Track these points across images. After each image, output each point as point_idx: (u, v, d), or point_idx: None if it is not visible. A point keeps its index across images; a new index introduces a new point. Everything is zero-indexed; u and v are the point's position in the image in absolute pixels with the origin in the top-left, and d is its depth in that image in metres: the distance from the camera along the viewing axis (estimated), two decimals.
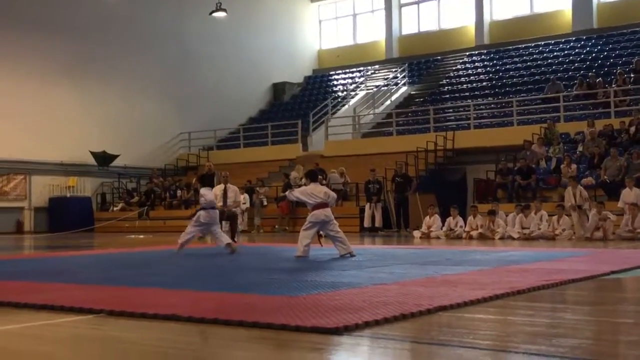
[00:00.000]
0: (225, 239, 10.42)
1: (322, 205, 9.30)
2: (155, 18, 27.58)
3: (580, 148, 18.37)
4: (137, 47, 26.87)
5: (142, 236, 18.92)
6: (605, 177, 16.27)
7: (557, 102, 21.50)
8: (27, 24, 23.80)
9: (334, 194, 9.74)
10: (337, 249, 9.22)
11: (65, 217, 23.10)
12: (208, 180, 10.89)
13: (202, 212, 10.46)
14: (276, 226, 20.43)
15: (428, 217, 16.51)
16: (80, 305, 4.67)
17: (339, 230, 9.35)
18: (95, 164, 24.94)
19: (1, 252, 12.70)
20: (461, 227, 15.81)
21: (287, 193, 10.17)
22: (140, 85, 26.91)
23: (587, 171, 17.09)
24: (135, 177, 26.04)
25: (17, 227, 23.27)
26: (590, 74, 22.65)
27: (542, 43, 27.96)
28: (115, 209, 24.48)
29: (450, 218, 16.11)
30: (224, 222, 14.39)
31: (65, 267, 8.30)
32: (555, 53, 26.98)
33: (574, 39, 27.31)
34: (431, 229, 16.09)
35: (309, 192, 9.43)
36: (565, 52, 26.74)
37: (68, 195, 24.14)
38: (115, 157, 25.00)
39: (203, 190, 10.61)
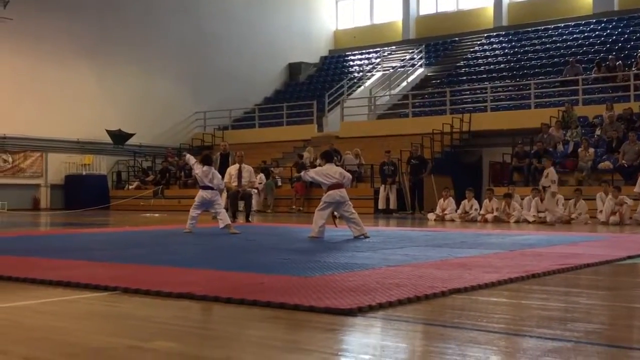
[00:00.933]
0: (225, 220, 10.27)
1: (337, 185, 9.29)
2: None
3: (598, 132, 18.20)
4: (154, 26, 26.87)
5: (157, 215, 19.04)
6: (623, 161, 16.13)
7: (575, 85, 21.27)
8: (45, 3, 23.85)
9: (349, 175, 9.73)
10: (351, 230, 9.21)
11: (81, 194, 23.28)
12: (208, 160, 10.84)
13: (199, 192, 10.47)
14: (293, 207, 20.46)
15: (442, 199, 16.46)
16: (96, 283, 4.71)
17: (354, 211, 9.34)
18: (111, 142, 25.05)
19: (18, 228, 12.83)
20: (476, 210, 15.75)
21: (302, 173, 10.13)
22: (157, 64, 26.93)
23: (605, 155, 16.95)
24: (151, 155, 26.15)
25: (33, 203, 23.50)
26: (610, 56, 22.37)
27: (562, 25, 27.63)
28: (130, 187, 24.63)
29: (466, 201, 16.04)
30: (239, 202, 14.47)
31: (81, 245, 8.37)
32: (574, 35, 26.65)
33: (594, 20, 26.96)
34: (445, 212, 16.05)
35: (324, 172, 9.41)
36: (585, 34, 26.42)
37: (84, 173, 24.31)
38: (130, 135, 25.09)
39: (198, 169, 10.53)
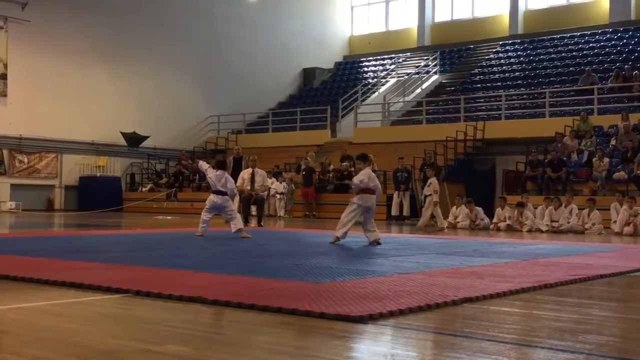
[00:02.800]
0: (237, 224, 10.19)
1: (372, 191, 9.12)
2: (187, 0, 27.68)
3: (613, 142, 18.08)
4: (170, 29, 27.02)
5: (169, 217, 19.10)
6: (638, 171, 16.01)
7: (591, 95, 21.15)
8: (62, 6, 24.04)
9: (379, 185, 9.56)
10: (367, 237, 9.15)
11: (95, 196, 23.41)
12: (222, 164, 10.81)
13: (210, 196, 10.45)
14: (307, 212, 20.45)
15: (455, 207, 16.40)
16: (108, 285, 4.74)
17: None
18: (126, 144, 25.19)
19: (32, 229, 12.92)
20: (482, 219, 15.65)
21: (352, 184, 9.37)
22: (172, 67, 27.07)
23: (620, 165, 16.84)
24: (164, 158, 26.27)
25: (47, 204, 23.65)
26: (626, 66, 22.23)
27: (578, 34, 27.51)
28: (144, 189, 24.73)
29: (467, 211, 15.94)
30: (251, 206, 14.49)
31: (94, 246, 8.42)
32: (591, 44, 26.52)
33: (610, 30, 26.82)
34: (457, 220, 15.99)
35: (370, 175, 9.16)
36: (602, 43, 26.28)
37: (98, 174, 24.45)
38: (145, 138, 25.22)
39: (212, 174, 10.49)
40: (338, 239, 8.97)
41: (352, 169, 20.82)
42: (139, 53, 26.07)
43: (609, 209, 14.48)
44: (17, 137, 23.03)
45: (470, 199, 16.38)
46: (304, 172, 20.74)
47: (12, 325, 3.68)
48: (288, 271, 5.84)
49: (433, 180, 14.46)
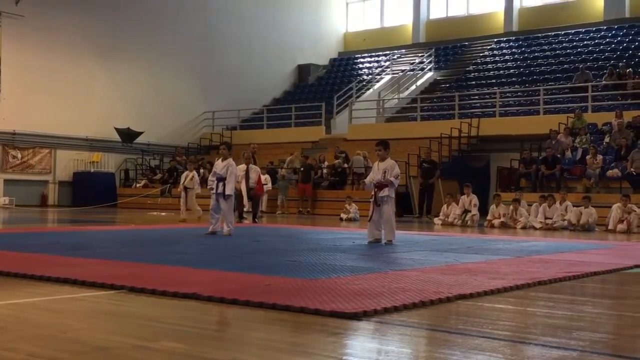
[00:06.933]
0: (214, 225, 10.03)
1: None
2: None
3: (607, 139, 18.13)
4: (165, 25, 26.94)
5: (164, 213, 19.07)
6: (632, 169, 16.06)
7: (585, 92, 21.19)
8: (56, 1, 23.93)
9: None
10: (382, 235, 8.84)
11: (89, 191, 23.35)
12: (229, 147, 10.60)
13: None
14: (302, 209, 20.43)
15: (446, 206, 16.35)
16: (102, 281, 4.73)
17: None
18: (120, 140, 25.13)
19: (25, 224, 12.88)
20: (475, 205, 15.60)
21: (391, 181, 8.67)
22: (166, 63, 27.01)
23: (614, 163, 16.89)
24: (159, 154, 26.22)
25: (41, 200, 23.58)
26: (620, 63, 22.28)
27: (572, 31, 27.55)
28: (138, 185, 24.69)
29: (464, 196, 15.84)
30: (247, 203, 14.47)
31: (88, 242, 8.40)
32: (585, 42, 26.57)
33: (605, 27, 26.87)
34: (448, 218, 15.98)
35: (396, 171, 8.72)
36: (596, 41, 26.33)
37: (92, 170, 24.39)
38: (139, 134, 25.16)
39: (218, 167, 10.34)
40: (391, 242, 8.64)
41: (346, 165, 20.89)
42: (134, 48, 25.99)
43: (602, 207, 14.51)
44: (10, 133, 22.94)
45: (468, 184, 16.21)
46: (302, 169, 20.72)
47: (6, 321, 3.67)
48: (283, 268, 5.85)
49: (193, 174, 15.32)
